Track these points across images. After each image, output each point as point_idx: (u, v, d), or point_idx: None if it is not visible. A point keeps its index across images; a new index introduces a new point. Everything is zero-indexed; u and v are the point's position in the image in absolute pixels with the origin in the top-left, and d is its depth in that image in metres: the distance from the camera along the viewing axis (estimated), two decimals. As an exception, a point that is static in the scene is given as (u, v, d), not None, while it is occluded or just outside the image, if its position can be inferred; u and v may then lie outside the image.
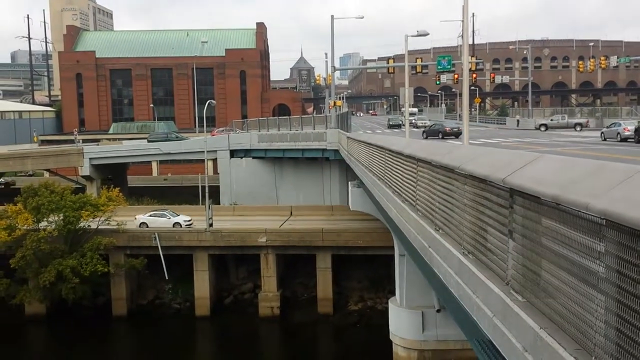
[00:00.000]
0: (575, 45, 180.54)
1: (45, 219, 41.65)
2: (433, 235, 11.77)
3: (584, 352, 5.40)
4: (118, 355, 40.28)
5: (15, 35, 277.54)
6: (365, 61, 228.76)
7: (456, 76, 72.20)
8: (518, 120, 79.62)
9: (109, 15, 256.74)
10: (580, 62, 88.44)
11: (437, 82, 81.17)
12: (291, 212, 50.79)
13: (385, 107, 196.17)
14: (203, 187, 47.66)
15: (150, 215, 45.33)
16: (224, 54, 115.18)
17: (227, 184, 61.10)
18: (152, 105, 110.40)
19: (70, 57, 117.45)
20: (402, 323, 27.60)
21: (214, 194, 54.45)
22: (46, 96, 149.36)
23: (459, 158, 10.23)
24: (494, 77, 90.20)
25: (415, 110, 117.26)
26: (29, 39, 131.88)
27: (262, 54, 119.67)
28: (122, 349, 41.46)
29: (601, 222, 5.04)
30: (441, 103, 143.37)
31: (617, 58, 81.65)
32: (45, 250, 39.88)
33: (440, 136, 53.94)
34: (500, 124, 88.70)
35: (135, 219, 45.17)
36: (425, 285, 22.50)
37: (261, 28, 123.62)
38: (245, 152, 61.08)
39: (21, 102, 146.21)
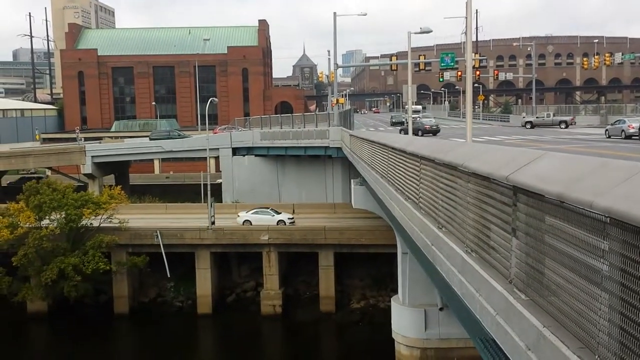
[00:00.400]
0: (579, 42, 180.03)
1: (47, 217, 41.70)
2: (436, 233, 11.72)
3: (588, 350, 5.37)
4: (120, 353, 40.33)
5: (17, 33, 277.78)
6: (367, 58, 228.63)
7: (459, 73, 72.13)
8: (524, 117, 79.36)
9: (111, 13, 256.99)
10: (584, 59, 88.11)
11: (441, 80, 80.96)
12: (293, 210, 50.75)
13: (388, 104, 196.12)
14: (205, 185, 47.66)
15: (254, 213, 45.07)
16: (226, 52, 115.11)
17: (229, 182, 61.10)
18: (154, 103, 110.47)
19: (72, 55, 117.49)
20: (404, 321, 27.56)
21: (216, 192, 54.47)
22: (48, 94, 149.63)
23: (462, 156, 10.19)
24: (497, 74, 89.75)
25: (419, 107, 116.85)
26: (31, 37, 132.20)
27: (264, 52, 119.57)
28: (123, 347, 41.51)
29: (605, 220, 5.01)
30: (444, 100, 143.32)
31: (622, 55, 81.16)
32: (48, 248, 39.95)
33: (420, 134, 54.25)
34: (504, 121, 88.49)
35: (238, 216, 44.96)
36: (428, 284, 22.45)
37: (263, 25, 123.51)
38: (248, 150, 61.08)
39: (23, 100, 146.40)
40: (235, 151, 61.39)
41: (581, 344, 5.49)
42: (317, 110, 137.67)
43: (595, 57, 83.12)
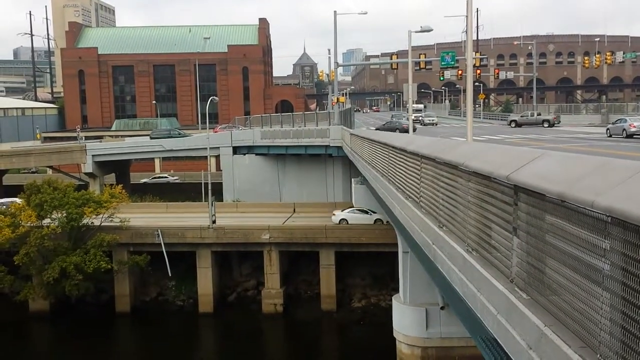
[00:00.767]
0: (580, 40, 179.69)
1: (48, 216, 41.72)
2: (437, 232, 11.73)
3: (589, 349, 5.38)
4: (121, 352, 40.34)
5: (17, 32, 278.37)
6: (368, 57, 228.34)
7: (460, 72, 71.97)
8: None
9: (111, 11, 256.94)
10: (585, 58, 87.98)
11: (441, 78, 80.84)
12: (294, 209, 50.78)
13: (388, 103, 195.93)
14: (206, 184, 47.66)
15: (350, 212, 44.84)
16: (226, 50, 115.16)
17: (230, 181, 61.14)
18: (154, 102, 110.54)
19: (73, 54, 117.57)
20: (405, 320, 27.57)
21: (217, 190, 54.44)
22: (49, 93, 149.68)
23: (463, 155, 10.19)
24: (498, 73, 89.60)
25: (421, 106, 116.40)
26: (31, 35, 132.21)
27: (264, 50, 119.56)
28: (125, 346, 41.53)
29: (606, 220, 5.02)
30: (445, 99, 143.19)
31: (623, 53, 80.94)
32: (49, 247, 39.97)
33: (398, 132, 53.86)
34: (505, 120, 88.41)
35: (334, 214, 44.75)
36: (429, 283, 22.45)
37: (263, 24, 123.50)
38: (248, 149, 61.10)
39: (24, 99, 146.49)
40: (236, 150, 61.42)
41: (583, 343, 5.50)
42: (318, 109, 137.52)
43: (597, 55, 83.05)
